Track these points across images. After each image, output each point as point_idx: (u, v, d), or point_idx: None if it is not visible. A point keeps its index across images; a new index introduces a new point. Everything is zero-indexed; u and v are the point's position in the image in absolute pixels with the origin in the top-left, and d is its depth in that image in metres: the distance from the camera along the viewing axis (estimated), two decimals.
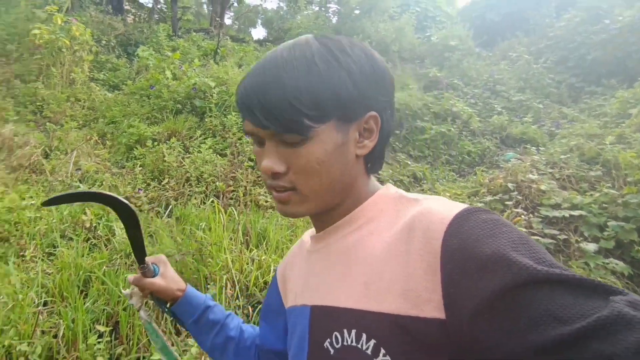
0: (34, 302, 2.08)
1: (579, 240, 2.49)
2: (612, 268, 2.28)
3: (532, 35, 7.45)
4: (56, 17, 5.52)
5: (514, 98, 5.65)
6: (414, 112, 5.04)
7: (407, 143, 4.80)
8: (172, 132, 4.31)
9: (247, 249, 2.54)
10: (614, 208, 2.60)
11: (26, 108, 4.74)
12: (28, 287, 2.19)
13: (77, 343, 1.86)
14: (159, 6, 12.38)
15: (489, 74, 6.36)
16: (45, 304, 2.15)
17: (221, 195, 3.50)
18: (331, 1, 9.13)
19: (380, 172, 4.03)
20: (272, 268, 2.33)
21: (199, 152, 3.93)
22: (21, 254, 2.58)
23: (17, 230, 2.80)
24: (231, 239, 2.52)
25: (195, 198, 3.38)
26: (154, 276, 0.81)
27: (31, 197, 3.16)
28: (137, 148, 4.09)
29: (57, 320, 1.99)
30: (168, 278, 0.82)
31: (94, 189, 0.65)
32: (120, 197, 0.75)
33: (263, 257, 2.39)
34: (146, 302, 0.84)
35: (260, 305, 2.08)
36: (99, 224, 2.90)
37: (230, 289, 2.18)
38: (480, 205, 3.00)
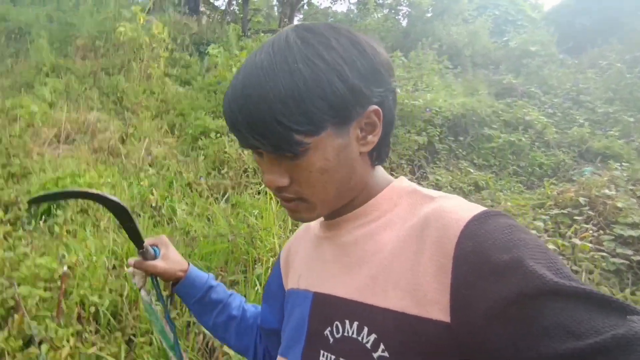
0: (105, 265, 2.43)
1: None
2: None
3: (627, 42, 6.91)
4: (140, 17, 6.23)
5: (599, 110, 5.30)
6: (482, 118, 4.94)
7: (472, 150, 4.72)
8: None
9: None
10: None
11: (108, 98, 5.42)
12: (101, 252, 2.55)
13: (138, 303, 2.15)
14: (232, 8, 13.29)
15: (572, 83, 6.02)
16: (114, 267, 2.50)
17: None
18: (402, 3, 9.21)
19: (439, 178, 4.02)
20: None
21: None
22: (96, 224, 3.00)
23: (94, 203, 3.24)
24: (280, 226, 2.72)
25: (250, 188, 3.65)
26: (155, 258, 0.82)
27: (108, 176, 3.63)
28: (201, 139, 4.49)
29: (123, 282, 2.31)
30: (169, 259, 0.82)
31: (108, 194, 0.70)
32: (108, 195, 0.75)
33: None
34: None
35: None
36: (163, 204, 3.27)
37: None
38: (544, 218, 2.91)
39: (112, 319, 2.06)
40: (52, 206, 3.08)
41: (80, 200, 3.18)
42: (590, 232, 2.54)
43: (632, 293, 2.19)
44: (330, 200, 0.55)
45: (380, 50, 0.53)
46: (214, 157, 4.15)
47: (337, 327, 0.52)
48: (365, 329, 0.48)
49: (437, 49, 6.85)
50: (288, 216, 2.92)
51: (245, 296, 1.21)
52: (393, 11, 9.43)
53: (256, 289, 2.20)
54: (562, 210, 2.92)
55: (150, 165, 4.01)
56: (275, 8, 18.46)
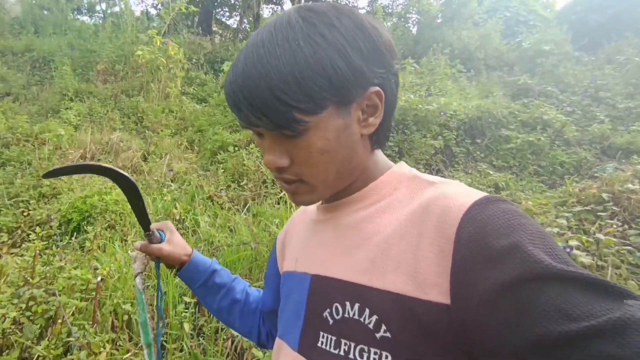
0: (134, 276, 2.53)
1: None
2: None
3: None
4: (156, 40, 6.50)
5: (620, 105, 5.23)
6: (498, 120, 4.95)
7: (490, 152, 4.71)
8: (251, 139, 4.80)
9: None
10: None
11: (129, 118, 5.64)
12: (130, 264, 2.66)
13: (168, 310, 2.24)
14: (243, 26, 13.66)
15: (590, 80, 5.96)
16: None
17: None
18: (411, 11, 9.33)
19: (458, 181, 4.10)
20: None
21: None
22: (124, 239, 3.12)
23: (121, 219, 3.38)
24: None
25: (270, 198, 3.74)
26: (160, 242, 0.84)
27: None
28: (220, 153, 4.63)
29: (153, 292, 2.41)
30: (174, 244, 0.84)
31: (112, 166, 0.71)
32: (118, 169, 0.76)
33: None
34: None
35: None
36: (187, 217, 3.38)
37: None
38: (567, 216, 2.89)
39: None
40: (81, 223, 3.23)
41: (107, 217, 3.33)
42: (615, 227, 2.52)
43: None
44: (331, 182, 0.55)
45: (382, 31, 0.53)
46: (233, 169, 4.27)
47: (336, 308, 0.51)
48: (367, 310, 0.48)
49: (449, 53, 6.91)
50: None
51: None
52: (402, 19, 9.55)
53: None
54: (585, 207, 2.90)
55: (172, 181, 4.15)
56: None
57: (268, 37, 0.48)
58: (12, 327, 1.81)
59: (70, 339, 1.86)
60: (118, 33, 7.77)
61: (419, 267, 0.46)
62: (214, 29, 14.24)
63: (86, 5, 13.35)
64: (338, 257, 0.56)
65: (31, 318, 1.90)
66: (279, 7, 16.00)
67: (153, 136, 5.09)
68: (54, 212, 3.29)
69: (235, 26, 14.85)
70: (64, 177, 3.87)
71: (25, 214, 3.31)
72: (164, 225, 0.87)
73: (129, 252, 1.70)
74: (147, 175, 4.25)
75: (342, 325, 0.50)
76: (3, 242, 2.98)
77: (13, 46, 7.43)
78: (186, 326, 2.13)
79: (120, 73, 6.82)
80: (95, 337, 1.85)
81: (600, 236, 2.43)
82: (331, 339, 0.51)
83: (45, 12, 9.99)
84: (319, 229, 0.63)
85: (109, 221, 3.32)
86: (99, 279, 2.06)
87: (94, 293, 2.14)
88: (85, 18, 12.75)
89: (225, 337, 2.14)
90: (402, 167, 0.60)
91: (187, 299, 2.29)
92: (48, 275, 2.17)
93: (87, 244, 2.86)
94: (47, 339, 1.91)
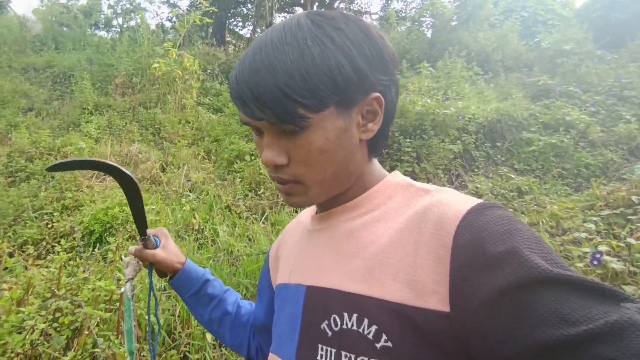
0: (157, 287, 2.57)
1: None
2: None
3: None
4: (172, 52, 6.65)
5: None
6: (519, 122, 4.87)
7: (511, 156, 4.64)
8: None
9: None
10: None
11: (147, 130, 5.77)
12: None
13: (190, 321, 2.26)
14: (256, 35, 13.87)
15: (614, 79, 5.83)
16: (164, 289, 2.65)
17: None
18: (425, 15, 9.31)
19: (478, 185, 3.97)
20: None
21: None
22: None
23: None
24: None
25: (287, 207, 3.76)
26: (155, 248, 0.84)
27: (152, 203, 3.86)
28: (236, 162, 4.69)
29: (174, 302, 2.44)
30: (169, 250, 0.84)
31: (119, 165, 0.69)
32: (123, 168, 0.76)
33: None
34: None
35: None
36: (206, 226, 3.43)
37: None
38: (595, 220, 2.83)
39: (167, 337, 2.18)
40: (103, 235, 3.30)
41: (128, 228, 3.40)
42: None
43: None
44: (327, 183, 0.55)
45: (387, 42, 0.55)
46: (250, 179, 4.31)
47: (335, 320, 0.51)
48: (366, 321, 0.48)
49: (465, 56, 6.85)
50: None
51: None
52: (416, 23, 9.54)
53: None
54: (614, 211, 2.83)
55: (190, 191, 4.22)
56: None
57: (277, 35, 0.50)
58: (41, 338, 1.86)
59: (96, 350, 1.89)
60: (135, 47, 7.98)
61: (417, 275, 0.47)
62: (228, 39, 14.51)
63: (103, 21, 13.78)
64: (334, 267, 0.55)
65: (58, 329, 1.95)
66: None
67: (170, 147, 5.19)
68: (77, 224, 3.38)
69: (248, 36, 15.11)
70: (86, 190, 3.98)
71: (49, 226, 3.41)
72: (159, 232, 0.87)
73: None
74: (165, 186, 4.33)
75: (341, 337, 0.50)
76: (29, 254, 3.07)
77: (35, 63, 7.71)
78: (208, 337, 2.15)
79: (138, 86, 6.99)
80: (120, 348, 1.88)
81: (632, 241, 2.36)
82: (331, 352, 0.50)
83: (65, 29, 10.36)
84: (314, 239, 0.62)
85: (129, 232, 3.39)
86: (122, 289, 2.10)
87: (117, 304, 2.18)
88: (103, 33, 13.18)
89: None
90: (397, 176, 0.61)
91: None
92: (73, 286, 2.23)
93: (110, 255, 2.92)
94: (73, 349, 1.95)
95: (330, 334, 0.51)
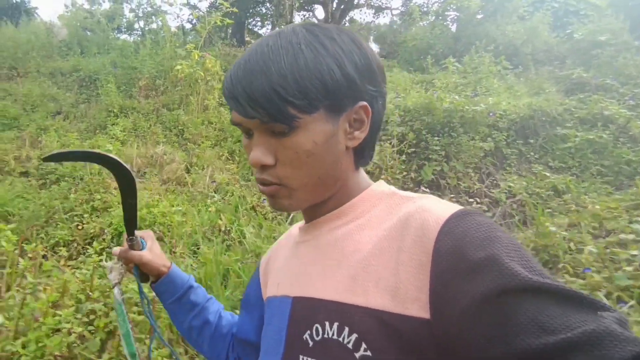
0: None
1: None
2: None
3: None
4: (194, 54, 6.73)
5: None
6: (553, 118, 4.71)
7: (545, 153, 4.49)
8: None
9: None
10: None
11: (171, 131, 5.86)
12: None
13: None
14: None
15: None
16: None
17: None
18: (449, 9, 9.14)
19: (511, 184, 3.86)
20: None
21: None
22: (173, 251, 3.21)
23: (168, 231, 3.49)
24: None
25: None
26: (141, 249, 0.83)
27: (178, 205, 3.90)
28: None
29: None
30: (154, 253, 0.84)
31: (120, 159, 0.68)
32: (122, 162, 0.75)
33: None
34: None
35: None
36: (232, 227, 3.44)
37: None
38: None
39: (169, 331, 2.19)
40: None
41: (156, 229, 3.44)
42: None
43: None
44: (311, 187, 0.56)
45: (377, 56, 0.58)
46: None
47: (316, 329, 0.51)
48: (346, 329, 0.48)
49: (493, 50, 6.69)
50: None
51: None
52: (440, 17, 9.38)
53: None
54: None
55: (215, 192, 4.25)
56: None
57: (273, 40, 0.53)
58: (77, 340, 1.89)
59: None
60: (157, 49, 8.13)
61: (399, 282, 0.47)
62: (247, 38, 14.64)
63: (125, 24, 14.11)
64: (319, 277, 0.56)
65: (92, 332, 1.97)
66: (311, 14, 16.23)
67: (194, 148, 5.25)
68: (106, 225, 3.45)
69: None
70: (114, 191, 4.06)
71: (79, 227, 3.49)
72: (145, 234, 0.87)
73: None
74: (190, 187, 4.38)
75: (321, 347, 0.50)
76: (60, 255, 3.14)
77: (62, 67, 7.94)
78: None
79: (161, 88, 7.11)
80: (153, 351, 1.89)
81: None
82: None
83: (89, 33, 10.64)
84: (300, 250, 0.63)
85: (157, 233, 3.43)
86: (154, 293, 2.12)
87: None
88: (125, 36, 13.49)
89: None
90: (381, 186, 0.62)
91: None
92: (106, 289, 2.26)
93: None
94: (107, 352, 1.98)
95: (311, 344, 0.52)
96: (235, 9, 7.65)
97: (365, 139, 0.58)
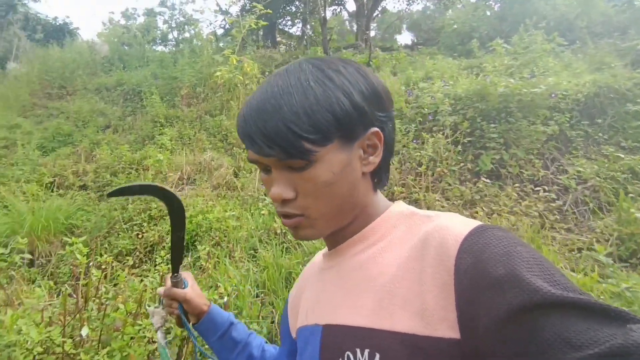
0: (251, 294, 2.61)
1: None
2: None
3: None
4: (232, 59, 6.84)
5: None
6: (622, 94, 4.38)
7: (616, 132, 4.18)
8: None
9: None
10: None
11: (215, 137, 5.98)
12: (243, 282, 2.75)
13: None
14: (306, 32, 13.97)
15: None
16: (257, 295, 2.68)
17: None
18: None
19: (580, 169, 3.62)
20: None
21: None
22: (231, 255, 3.26)
23: (225, 236, 3.54)
24: None
25: None
26: (184, 288, 0.86)
27: (231, 209, 3.96)
28: None
29: (271, 309, 2.45)
30: (196, 292, 0.88)
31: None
32: (176, 194, 0.79)
33: None
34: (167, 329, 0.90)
35: None
36: (287, 230, 3.44)
37: None
38: None
39: None
40: (190, 242, 3.43)
41: (212, 235, 3.50)
42: None
43: None
44: (332, 215, 0.58)
45: (382, 82, 0.61)
46: None
47: (348, 357, 0.52)
48: (377, 356, 0.49)
49: (544, 27, 6.34)
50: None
51: None
52: None
53: None
54: None
55: (265, 195, 4.28)
56: (347, 23, 19.03)
57: (282, 78, 0.55)
58: (155, 349, 1.93)
59: None
60: (195, 58, 8.35)
61: (425, 303, 0.48)
62: (278, 39, 14.77)
63: (160, 36, 14.64)
64: (346, 303, 0.57)
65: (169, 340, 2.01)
66: (341, 8, 16.14)
67: (240, 152, 5.32)
68: (165, 233, 3.55)
69: (298, 34, 15.28)
70: None
71: (139, 236, 3.62)
72: (186, 274, 0.91)
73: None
74: (240, 191, 4.43)
75: None
76: (124, 263, 3.26)
77: (106, 82, 8.33)
78: None
79: (201, 95, 7.30)
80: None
81: None
82: None
83: (127, 48, 11.11)
84: (326, 277, 0.65)
85: (214, 239, 3.50)
86: (225, 299, 2.13)
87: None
88: (161, 47, 13.99)
89: None
90: (400, 206, 0.63)
91: None
92: None
93: (201, 262, 3.02)
94: (183, 359, 2.01)
95: None
96: (269, 11, 7.71)
97: (379, 162, 0.60)
